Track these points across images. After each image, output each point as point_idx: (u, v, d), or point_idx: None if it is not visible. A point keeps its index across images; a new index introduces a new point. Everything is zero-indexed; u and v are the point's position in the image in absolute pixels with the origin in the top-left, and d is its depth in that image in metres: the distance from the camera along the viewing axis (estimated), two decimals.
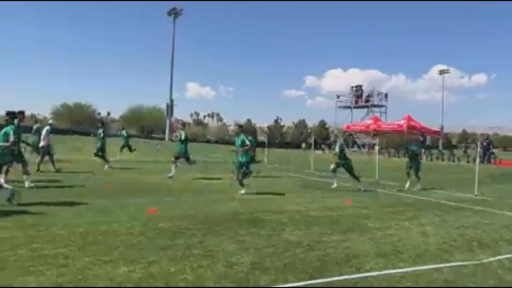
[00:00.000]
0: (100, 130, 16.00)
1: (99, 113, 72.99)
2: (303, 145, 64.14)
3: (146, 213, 7.32)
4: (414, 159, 13.25)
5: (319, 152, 41.89)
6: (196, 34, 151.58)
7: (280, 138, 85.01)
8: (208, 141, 76.02)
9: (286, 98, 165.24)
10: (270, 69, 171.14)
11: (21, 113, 10.10)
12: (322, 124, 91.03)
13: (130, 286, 3.89)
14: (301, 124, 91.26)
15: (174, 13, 58.37)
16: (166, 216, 7.07)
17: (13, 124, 9.33)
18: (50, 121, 15.91)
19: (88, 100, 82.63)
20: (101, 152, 15.76)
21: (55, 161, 14.00)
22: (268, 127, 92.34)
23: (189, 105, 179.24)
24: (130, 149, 20.51)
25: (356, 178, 12.27)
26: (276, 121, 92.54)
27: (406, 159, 13.89)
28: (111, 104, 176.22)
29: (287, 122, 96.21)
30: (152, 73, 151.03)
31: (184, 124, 20.97)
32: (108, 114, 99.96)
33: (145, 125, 73.75)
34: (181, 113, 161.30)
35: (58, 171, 13.54)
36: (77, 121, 67.04)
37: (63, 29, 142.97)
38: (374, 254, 5.33)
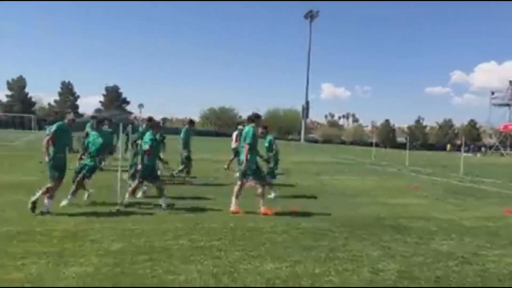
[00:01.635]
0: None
1: (240, 116, 77.57)
2: (449, 146, 59.05)
3: (288, 212, 7.55)
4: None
5: (469, 154, 38.00)
6: (330, 33, 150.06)
7: (422, 139, 79.55)
8: (343, 142, 75.15)
9: (430, 95, 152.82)
10: (411, 65, 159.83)
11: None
12: (472, 123, 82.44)
13: (278, 282, 4.07)
14: (447, 124, 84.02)
15: (311, 16, 59.26)
16: (308, 217, 7.20)
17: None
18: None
19: (232, 103, 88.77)
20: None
21: None
22: (409, 128, 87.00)
23: (324, 106, 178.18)
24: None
25: None
26: (417, 121, 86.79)
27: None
28: (252, 106, 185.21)
29: (430, 122, 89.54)
30: (289, 73, 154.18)
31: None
32: None
33: (282, 126, 76.18)
34: (316, 115, 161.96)
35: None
36: (222, 124, 73.78)
37: (190, 28, 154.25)
38: None
